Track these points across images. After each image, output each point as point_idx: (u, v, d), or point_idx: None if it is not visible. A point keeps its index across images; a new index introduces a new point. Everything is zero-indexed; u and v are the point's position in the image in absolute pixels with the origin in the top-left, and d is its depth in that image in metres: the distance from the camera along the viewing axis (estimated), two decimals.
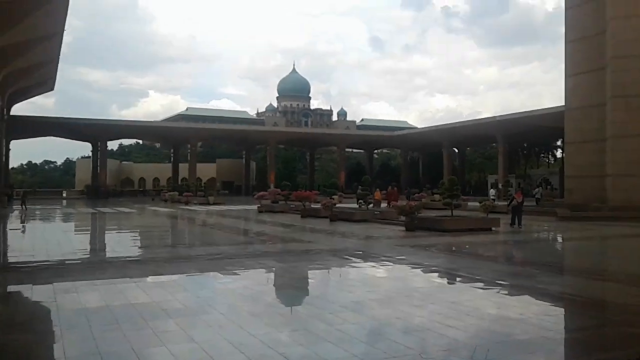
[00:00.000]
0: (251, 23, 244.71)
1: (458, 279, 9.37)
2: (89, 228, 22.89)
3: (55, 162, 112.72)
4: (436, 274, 9.94)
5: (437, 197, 35.51)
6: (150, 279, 9.27)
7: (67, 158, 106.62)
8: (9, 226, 22.42)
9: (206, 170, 75.47)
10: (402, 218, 19.19)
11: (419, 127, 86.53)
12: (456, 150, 72.49)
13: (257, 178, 78.32)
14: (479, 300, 7.48)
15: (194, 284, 9.01)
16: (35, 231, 19.87)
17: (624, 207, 24.67)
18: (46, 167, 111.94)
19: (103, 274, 9.69)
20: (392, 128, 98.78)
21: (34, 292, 8.15)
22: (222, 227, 22.14)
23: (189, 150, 69.14)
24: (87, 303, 7.32)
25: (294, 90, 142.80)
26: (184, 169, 67.95)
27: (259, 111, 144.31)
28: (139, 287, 8.49)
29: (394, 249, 13.20)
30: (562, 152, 62.83)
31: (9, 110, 51.11)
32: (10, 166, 64.69)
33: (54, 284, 8.57)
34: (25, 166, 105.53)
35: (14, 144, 59.00)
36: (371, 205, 25.20)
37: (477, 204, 23.90)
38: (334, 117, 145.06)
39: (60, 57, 40.73)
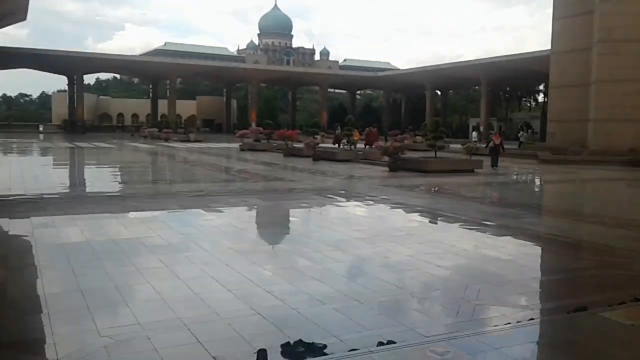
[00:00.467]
0: None
1: (443, 218, 9.36)
2: (67, 163, 22.41)
3: (31, 95, 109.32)
4: (421, 214, 9.90)
5: (419, 138, 35.48)
6: (131, 214, 9.06)
7: (43, 91, 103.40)
8: None
9: (186, 108, 74.02)
10: (385, 159, 19.10)
11: (402, 68, 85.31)
12: (439, 93, 72.03)
13: (238, 116, 77.23)
14: (466, 240, 7.46)
15: (177, 220, 8.83)
16: (11, 165, 19.35)
17: (604, 151, 24.89)
18: (21, 100, 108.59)
19: (83, 208, 9.46)
20: (375, 69, 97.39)
21: (11, 226, 7.91)
22: (203, 164, 21.84)
23: (168, 87, 67.43)
24: (66, 238, 7.13)
25: (276, 27, 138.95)
26: (163, 105, 66.54)
27: (240, 48, 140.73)
28: (120, 222, 8.30)
29: (377, 189, 13.13)
30: (544, 97, 62.94)
31: None
32: None
33: (32, 218, 8.33)
34: (0, 99, 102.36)
35: None
36: (362, 146, 25.05)
37: (459, 146, 23.93)
38: (317, 57, 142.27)
39: None
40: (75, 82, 61.36)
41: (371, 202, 11.04)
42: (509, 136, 48.04)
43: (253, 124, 53.74)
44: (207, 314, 4.30)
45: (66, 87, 67.77)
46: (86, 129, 58.50)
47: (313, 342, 3.63)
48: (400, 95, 79.31)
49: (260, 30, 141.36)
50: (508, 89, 71.89)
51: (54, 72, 65.52)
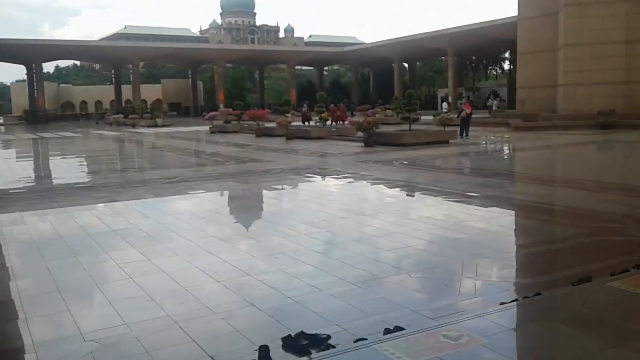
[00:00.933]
0: None
1: (427, 192, 9.22)
2: (32, 154, 21.60)
3: None
4: (404, 189, 9.76)
5: (389, 112, 35.35)
6: (104, 205, 8.64)
7: (1, 82, 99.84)
8: None
9: (151, 92, 72.35)
10: (360, 134, 18.90)
11: (368, 42, 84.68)
12: (406, 65, 71.89)
13: (205, 98, 75.90)
14: (454, 214, 7.33)
15: (153, 209, 8.46)
16: None
17: (574, 116, 25.18)
18: None
19: (52, 202, 9.03)
20: (341, 44, 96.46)
21: None
22: (174, 149, 21.29)
23: (131, 71, 65.66)
24: (38, 235, 6.75)
25: (238, 5, 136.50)
26: (127, 90, 64.88)
27: (203, 29, 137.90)
28: (94, 214, 7.90)
29: (356, 165, 12.94)
30: (510, 64, 63.42)
31: None
32: None
33: None
34: None
35: None
36: (329, 123, 24.67)
37: (431, 117, 23.87)
38: (281, 34, 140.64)
39: None
40: (34, 70, 59.24)
41: (351, 179, 10.84)
42: (477, 105, 48.34)
43: (221, 106, 52.80)
44: (198, 309, 4.04)
45: (25, 77, 65.47)
46: (49, 118, 56.79)
47: (316, 333, 3.41)
48: (368, 70, 78.94)
49: (222, 8, 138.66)
50: (474, 58, 72.19)
51: (11, 62, 63.15)
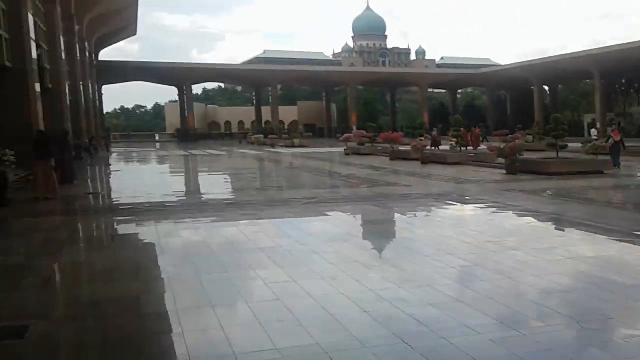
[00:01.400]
0: None
1: (585, 228, 8.34)
2: (183, 170, 23.38)
3: (146, 106, 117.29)
4: (558, 222, 8.97)
5: (529, 137, 33.33)
6: (249, 222, 8.95)
7: (156, 102, 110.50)
8: (110, 169, 23.24)
9: (287, 113, 75.55)
10: (500, 160, 17.93)
11: (503, 64, 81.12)
12: (546, 88, 67.65)
13: (338, 120, 77.52)
14: (621, 255, 6.53)
15: (295, 229, 8.59)
16: (134, 173, 20.48)
17: None
18: (137, 111, 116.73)
19: (203, 216, 9.57)
20: (475, 66, 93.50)
21: (140, 235, 8.11)
22: (311, 169, 21.82)
23: (269, 93, 69.20)
24: (190, 247, 7.14)
25: (369, 28, 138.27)
26: (266, 111, 68.40)
27: (335, 52, 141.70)
28: (241, 231, 8.21)
29: (500, 194, 12.20)
30: None
31: (97, 55, 52.98)
32: (105, 110, 67.91)
33: (157, 225, 8.52)
34: (118, 110, 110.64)
35: (106, 89, 61.59)
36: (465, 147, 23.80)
37: (579, 144, 22.02)
38: (412, 56, 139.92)
39: (140, 2, 41.25)
40: (184, 91, 64.75)
41: (495, 209, 10.20)
42: (630, 132, 44.03)
43: (354, 127, 53.59)
44: (348, 340, 3.91)
45: (177, 98, 71.76)
46: (197, 136, 61.43)
47: None
48: (504, 92, 75.55)
49: (353, 32, 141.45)
50: (624, 80, 65.95)
51: (165, 83, 69.58)
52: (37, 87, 18.43)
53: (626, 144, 20.52)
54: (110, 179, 18.91)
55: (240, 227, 8.56)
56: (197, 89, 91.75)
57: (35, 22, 19.71)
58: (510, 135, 35.22)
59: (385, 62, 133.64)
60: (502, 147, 18.10)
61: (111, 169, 22.53)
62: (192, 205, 11.58)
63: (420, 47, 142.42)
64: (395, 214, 10.16)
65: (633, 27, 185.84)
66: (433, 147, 27.08)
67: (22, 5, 17.50)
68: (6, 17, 16.96)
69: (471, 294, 5.01)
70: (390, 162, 23.21)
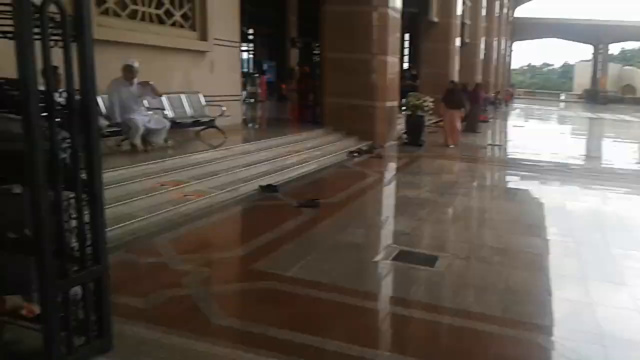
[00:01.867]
0: None
1: None
2: (588, 134, 21.57)
3: (553, 64, 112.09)
4: None
5: None
6: None
7: (565, 61, 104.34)
8: (511, 124, 23.21)
9: None
10: None
11: None
12: None
13: None
14: None
15: None
16: (535, 131, 20.00)
17: None
18: (544, 69, 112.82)
19: (612, 185, 8.64)
20: None
21: (544, 193, 7.90)
22: None
23: None
24: (599, 216, 6.54)
25: None
26: None
27: None
28: None
29: None
30: None
31: (513, 12, 52.85)
32: (512, 67, 68.04)
33: (561, 187, 8.13)
34: (525, 67, 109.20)
35: (516, 46, 61.40)
36: None
37: None
38: None
39: None
40: (600, 51, 59.09)
41: None
42: None
43: None
44: None
45: (590, 57, 66.04)
46: (608, 99, 55.77)
47: None
48: None
49: None
50: None
51: (579, 42, 64.69)
52: (458, 41, 19.61)
53: None
54: (510, 134, 18.81)
55: None
56: (614, 48, 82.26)
57: None
58: None
59: None
60: None
61: (512, 125, 22.39)
62: (602, 172, 10.54)
63: None
64: None
65: None
66: None
67: None
68: None
69: None
70: None
